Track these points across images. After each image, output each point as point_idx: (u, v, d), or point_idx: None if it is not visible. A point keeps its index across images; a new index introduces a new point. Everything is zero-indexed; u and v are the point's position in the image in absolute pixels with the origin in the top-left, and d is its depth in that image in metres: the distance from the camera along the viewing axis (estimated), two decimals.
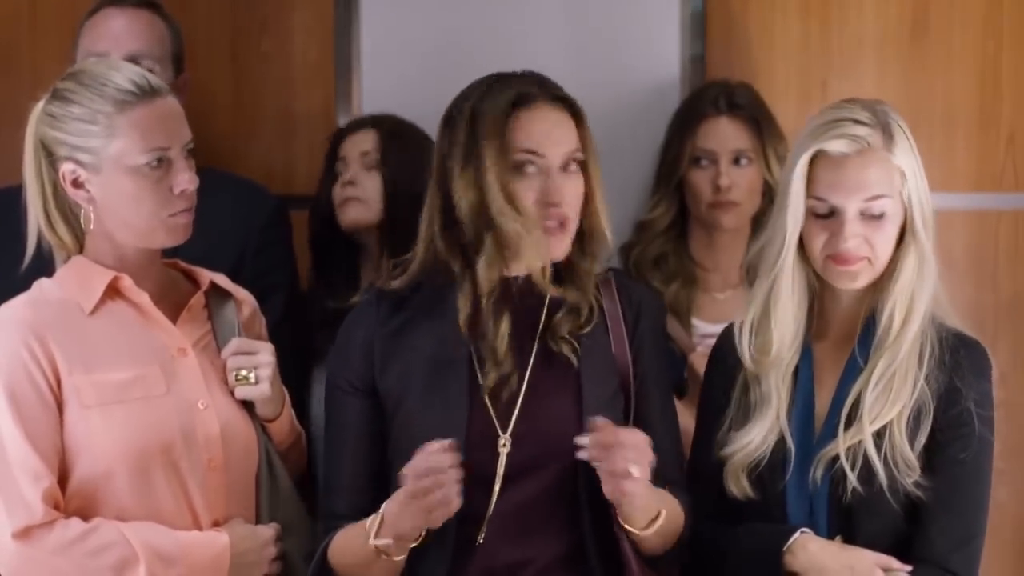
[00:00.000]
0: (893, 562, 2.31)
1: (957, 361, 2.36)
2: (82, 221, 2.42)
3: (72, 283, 2.42)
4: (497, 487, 2.29)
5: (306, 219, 3.22)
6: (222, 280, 2.55)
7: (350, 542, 2.32)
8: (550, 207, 2.34)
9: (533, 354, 2.36)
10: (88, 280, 2.41)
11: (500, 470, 2.28)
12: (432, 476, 2.17)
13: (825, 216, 2.37)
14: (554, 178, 2.35)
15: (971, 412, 2.34)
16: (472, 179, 2.33)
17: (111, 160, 2.37)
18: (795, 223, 2.38)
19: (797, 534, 2.34)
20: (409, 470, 2.20)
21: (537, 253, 2.34)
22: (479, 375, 2.34)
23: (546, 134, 2.36)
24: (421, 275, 2.41)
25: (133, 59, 2.86)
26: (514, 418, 2.32)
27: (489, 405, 2.33)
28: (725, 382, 2.47)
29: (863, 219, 2.35)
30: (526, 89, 2.37)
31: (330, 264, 3.17)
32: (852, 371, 2.40)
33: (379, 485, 2.33)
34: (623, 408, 2.39)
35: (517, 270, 2.38)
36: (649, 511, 2.29)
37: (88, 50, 2.93)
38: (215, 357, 2.48)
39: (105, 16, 2.96)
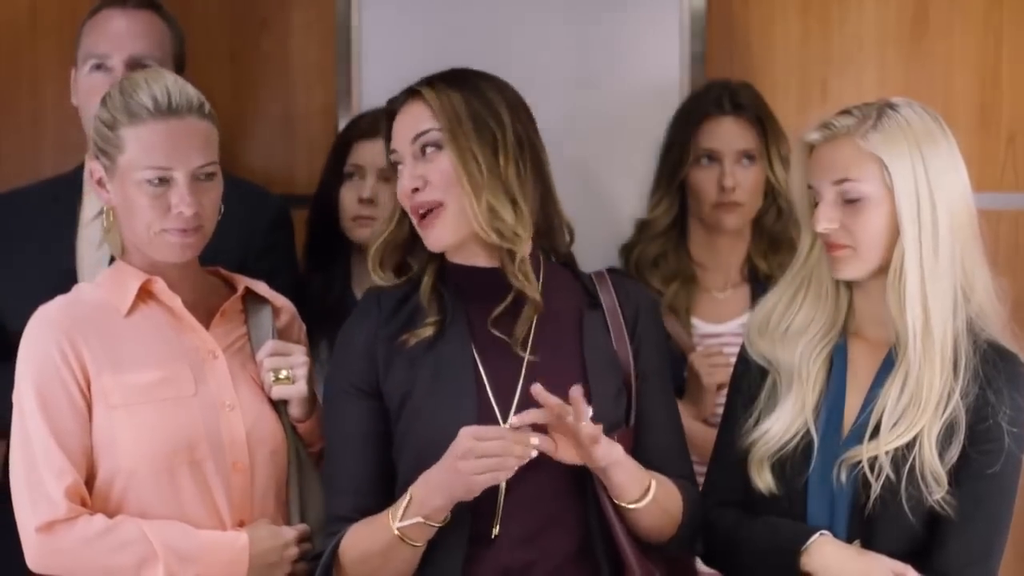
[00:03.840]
0: (909, 571, 2.30)
1: (992, 373, 2.34)
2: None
3: (109, 286, 2.47)
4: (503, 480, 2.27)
5: (306, 218, 3.22)
6: (261, 287, 2.58)
7: (366, 535, 2.31)
8: (408, 198, 2.36)
9: (528, 347, 2.35)
10: (123, 283, 2.46)
11: None
12: (500, 444, 2.17)
13: (817, 203, 2.40)
14: (406, 167, 2.36)
15: (1002, 427, 2.32)
16: None
17: (120, 169, 2.41)
18: (802, 213, 2.45)
19: (816, 535, 2.33)
20: (470, 432, 2.19)
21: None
22: (481, 368, 2.34)
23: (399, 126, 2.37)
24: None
25: (134, 61, 2.87)
26: (513, 408, 2.31)
27: (492, 397, 2.32)
28: (755, 377, 2.47)
29: (841, 205, 2.36)
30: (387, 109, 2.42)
31: (327, 262, 3.17)
32: (886, 375, 2.38)
33: (384, 487, 2.33)
34: (626, 405, 2.38)
35: (485, 260, 2.38)
36: (639, 480, 2.29)
37: (89, 52, 2.93)
38: (248, 361, 2.50)
39: (106, 17, 2.95)
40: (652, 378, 2.41)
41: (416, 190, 2.33)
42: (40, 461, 2.35)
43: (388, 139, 2.40)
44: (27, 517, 2.36)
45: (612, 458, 2.26)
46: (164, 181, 2.38)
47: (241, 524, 2.42)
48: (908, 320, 2.33)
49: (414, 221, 2.36)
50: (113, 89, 2.45)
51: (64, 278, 2.73)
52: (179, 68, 3.01)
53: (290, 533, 2.43)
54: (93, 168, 2.46)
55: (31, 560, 2.37)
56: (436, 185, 2.32)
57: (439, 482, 2.22)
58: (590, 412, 2.21)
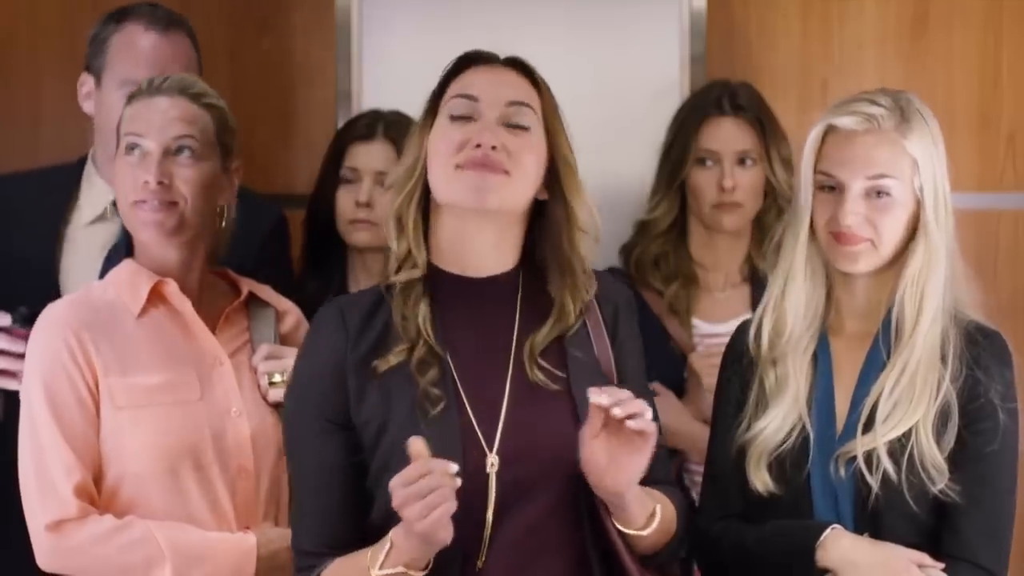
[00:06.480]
0: (927, 559, 2.29)
1: (977, 353, 2.35)
2: None
3: (120, 286, 2.47)
4: (491, 510, 2.13)
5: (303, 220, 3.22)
6: (265, 291, 2.59)
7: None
8: (471, 147, 2.16)
9: (511, 364, 2.22)
10: (134, 283, 2.46)
11: (492, 492, 2.12)
12: (425, 495, 2.00)
13: (831, 191, 2.37)
14: (486, 123, 2.18)
15: (994, 404, 2.33)
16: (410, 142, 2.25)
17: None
18: (806, 198, 2.40)
19: (829, 530, 2.32)
20: (396, 482, 2.02)
21: (454, 189, 2.17)
22: (461, 390, 2.19)
23: (485, 81, 2.22)
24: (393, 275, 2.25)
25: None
26: (499, 435, 2.16)
27: (475, 423, 2.17)
28: (742, 380, 2.46)
29: (868, 198, 2.35)
30: (478, 53, 2.27)
31: (324, 265, 3.17)
32: (872, 368, 2.38)
33: (353, 519, 2.17)
34: None
35: (476, 269, 2.24)
36: (646, 506, 2.18)
37: (127, 76, 2.76)
38: (249, 365, 2.51)
39: (143, 38, 2.81)
40: (631, 380, 2.27)
41: (494, 148, 2.17)
42: (49, 459, 2.36)
43: (448, 81, 2.24)
44: (37, 515, 2.36)
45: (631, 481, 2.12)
46: (135, 149, 2.43)
47: (247, 530, 2.43)
48: (906, 310, 2.34)
49: (467, 169, 2.17)
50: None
51: (41, 279, 2.74)
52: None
53: None
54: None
55: (41, 559, 2.38)
56: (511, 157, 2.18)
57: (409, 536, 2.06)
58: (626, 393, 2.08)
